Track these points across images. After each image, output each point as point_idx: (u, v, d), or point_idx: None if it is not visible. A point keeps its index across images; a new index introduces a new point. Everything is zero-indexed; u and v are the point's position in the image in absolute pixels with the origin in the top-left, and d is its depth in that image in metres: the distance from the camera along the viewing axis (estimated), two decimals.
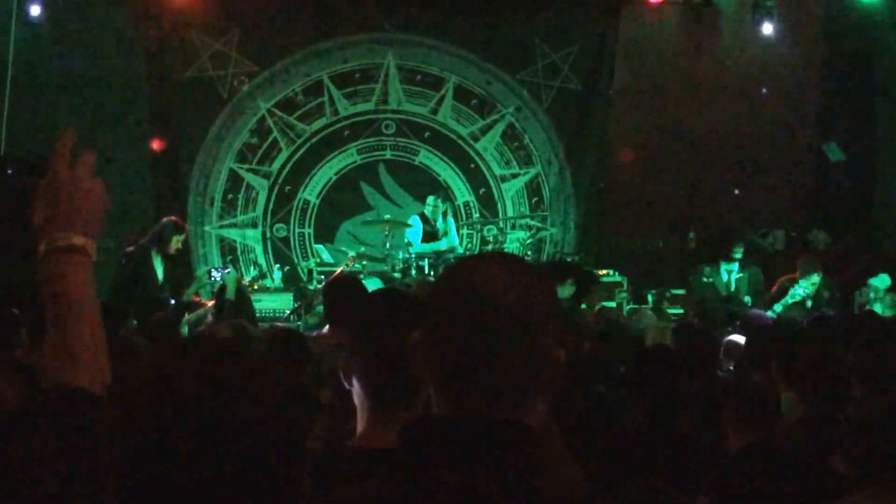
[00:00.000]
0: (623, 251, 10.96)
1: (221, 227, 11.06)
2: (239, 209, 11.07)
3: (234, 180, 11.04)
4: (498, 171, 11.53)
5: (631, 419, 3.63)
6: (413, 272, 9.42)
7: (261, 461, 1.03)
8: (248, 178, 11.07)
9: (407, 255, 9.56)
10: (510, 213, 11.43)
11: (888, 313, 7.33)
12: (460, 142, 11.42)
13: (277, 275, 10.62)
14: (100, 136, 10.01)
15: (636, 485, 2.48)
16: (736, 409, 3.21)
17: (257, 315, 8.42)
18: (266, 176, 11.10)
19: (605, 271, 10.07)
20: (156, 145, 10.64)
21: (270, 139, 11.06)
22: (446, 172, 11.42)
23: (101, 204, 1.66)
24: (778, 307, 7.68)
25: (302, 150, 11.13)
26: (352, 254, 9.84)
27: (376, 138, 11.28)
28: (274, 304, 9.43)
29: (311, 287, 9.76)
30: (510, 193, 11.55)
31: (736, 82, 11.17)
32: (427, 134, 11.36)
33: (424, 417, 1.29)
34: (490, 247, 10.89)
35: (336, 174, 11.21)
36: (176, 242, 7.97)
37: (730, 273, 8.23)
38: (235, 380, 1.06)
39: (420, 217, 10.08)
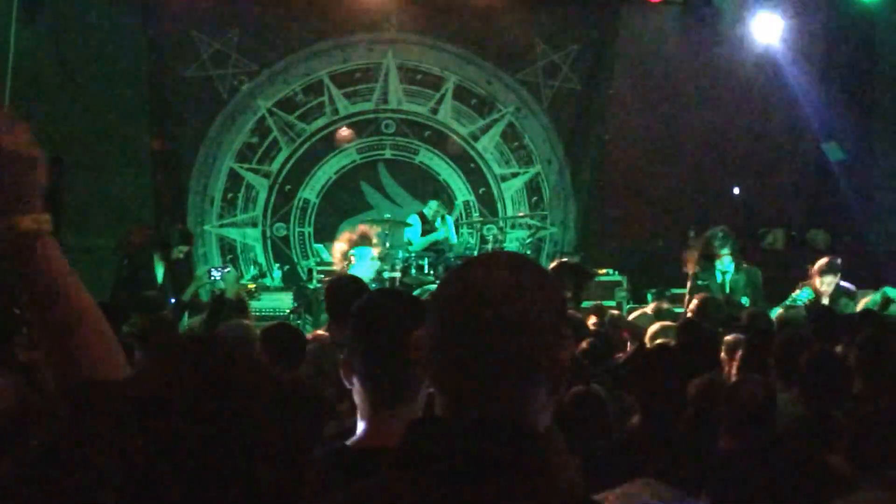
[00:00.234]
0: (623, 251, 10.97)
1: (221, 226, 11.05)
2: (239, 208, 11.07)
3: (234, 179, 11.04)
4: (498, 171, 11.54)
5: (631, 419, 3.63)
6: (413, 271, 9.44)
7: (266, 461, 1.03)
8: (248, 177, 11.07)
9: (407, 255, 9.56)
10: (510, 212, 11.43)
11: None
12: (460, 141, 11.43)
13: (277, 274, 10.63)
14: (100, 136, 10.03)
15: (636, 485, 2.48)
16: (730, 409, 3.22)
17: (258, 314, 8.41)
18: (266, 175, 11.10)
19: (604, 270, 10.08)
20: (156, 144, 10.64)
21: (270, 138, 11.06)
22: (446, 172, 11.42)
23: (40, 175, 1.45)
24: (778, 308, 7.63)
25: (302, 150, 11.14)
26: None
27: (376, 138, 11.29)
28: (274, 303, 9.43)
29: (311, 286, 9.76)
30: (510, 193, 11.56)
31: (735, 82, 11.17)
32: (427, 133, 11.37)
33: (428, 418, 1.29)
34: (490, 246, 10.90)
35: (336, 173, 11.21)
36: (178, 252, 7.96)
37: (724, 274, 8.15)
38: (239, 379, 1.06)
39: (419, 216, 10.10)
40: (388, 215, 10.14)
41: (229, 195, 11.05)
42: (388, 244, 9.68)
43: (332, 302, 4.54)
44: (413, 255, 9.58)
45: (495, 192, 11.54)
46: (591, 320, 6.50)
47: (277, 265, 10.84)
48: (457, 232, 10.68)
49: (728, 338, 4.88)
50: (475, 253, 10.34)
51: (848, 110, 11.27)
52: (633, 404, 3.75)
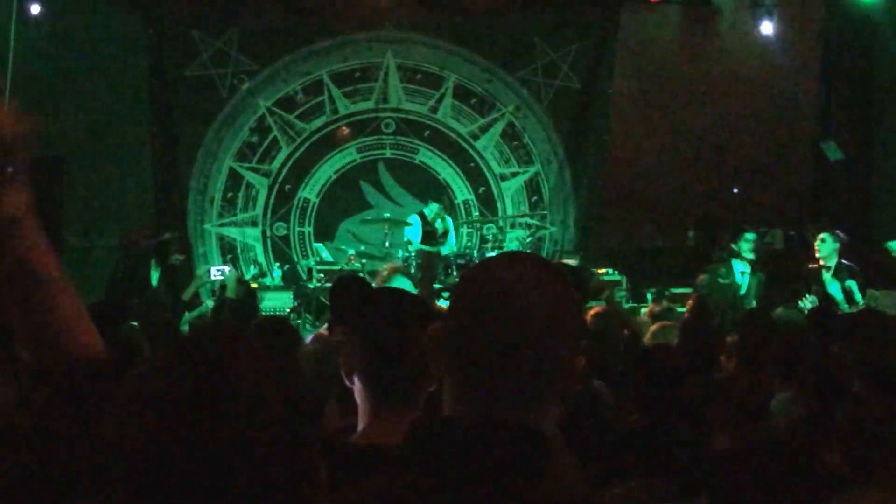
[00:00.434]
0: (622, 250, 10.97)
1: (221, 225, 11.06)
2: (239, 207, 11.08)
3: (235, 179, 11.05)
4: (497, 170, 11.54)
5: (630, 419, 3.63)
6: (413, 270, 9.44)
7: (269, 455, 1.03)
8: (248, 176, 11.08)
9: (406, 254, 9.57)
10: (510, 211, 11.44)
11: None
12: (460, 140, 11.43)
13: (277, 273, 10.64)
14: (100, 135, 10.03)
15: (635, 485, 2.48)
16: (724, 408, 3.22)
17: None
18: (266, 174, 11.10)
19: (604, 270, 10.08)
20: (156, 144, 10.65)
21: (270, 138, 11.07)
22: (446, 171, 11.42)
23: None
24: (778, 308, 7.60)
25: (302, 149, 11.14)
26: (351, 252, 9.86)
27: (376, 137, 11.29)
28: (274, 302, 9.44)
29: (311, 286, 9.77)
30: (510, 192, 11.56)
31: (735, 82, 11.17)
32: (427, 133, 11.37)
33: (433, 416, 1.28)
34: (489, 245, 10.91)
35: (336, 173, 11.22)
36: (175, 260, 7.97)
37: (743, 274, 8.12)
38: (241, 373, 1.06)
39: (419, 216, 10.11)
40: (388, 214, 10.15)
41: (229, 194, 11.05)
42: (387, 243, 9.70)
43: (335, 301, 4.54)
44: (413, 254, 9.58)
45: (495, 191, 11.54)
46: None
47: (277, 264, 10.85)
48: (456, 234, 10.68)
49: (728, 338, 4.88)
50: (475, 253, 10.35)
51: (848, 110, 11.27)
52: (632, 404, 3.75)
